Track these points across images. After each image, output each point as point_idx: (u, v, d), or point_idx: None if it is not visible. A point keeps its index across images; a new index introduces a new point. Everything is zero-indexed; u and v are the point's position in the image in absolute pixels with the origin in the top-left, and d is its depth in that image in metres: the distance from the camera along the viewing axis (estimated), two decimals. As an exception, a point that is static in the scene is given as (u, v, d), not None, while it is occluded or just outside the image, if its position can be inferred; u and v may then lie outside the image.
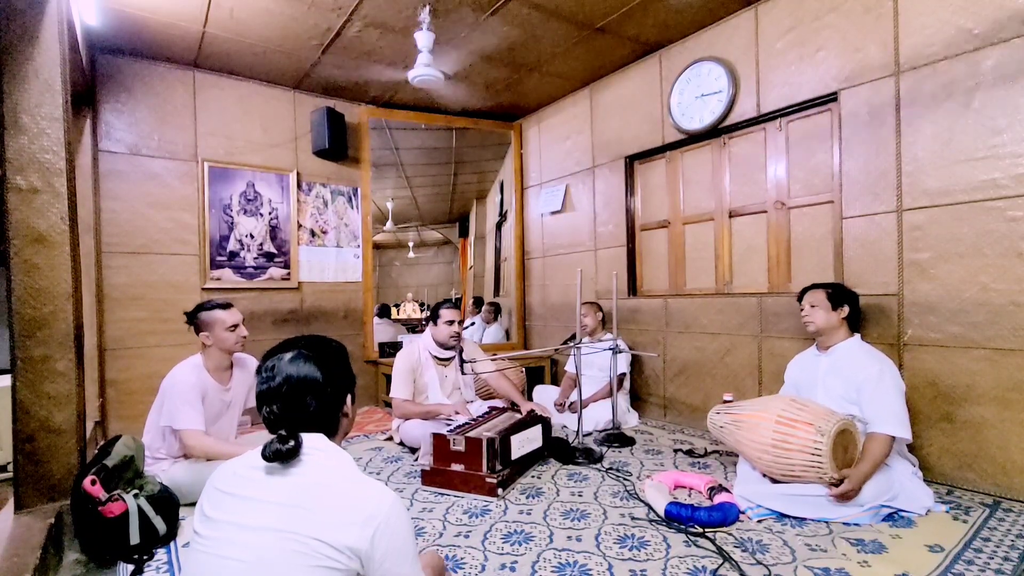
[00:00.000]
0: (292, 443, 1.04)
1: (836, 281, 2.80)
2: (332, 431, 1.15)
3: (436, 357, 3.26)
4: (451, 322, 3.16)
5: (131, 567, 1.86)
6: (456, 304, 3.30)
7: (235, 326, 2.44)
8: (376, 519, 1.00)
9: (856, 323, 2.55)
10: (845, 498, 2.05)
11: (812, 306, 2.46)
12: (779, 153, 3.18)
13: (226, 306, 2.46)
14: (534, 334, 4.95)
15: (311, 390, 1.11)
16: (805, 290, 2.54)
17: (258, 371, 1.15)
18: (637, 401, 3.88)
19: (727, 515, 2.04)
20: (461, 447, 2.47)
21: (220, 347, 2.44)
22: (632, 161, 3.99)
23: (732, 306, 3.31)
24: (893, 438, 2.13)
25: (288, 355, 1.13)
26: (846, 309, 2.42)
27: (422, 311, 5.69)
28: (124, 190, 3.55)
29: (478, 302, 5.48)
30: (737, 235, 3.43)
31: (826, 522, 2.07)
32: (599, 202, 4.20)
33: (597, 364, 3.76)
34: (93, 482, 1.90)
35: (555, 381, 4.56)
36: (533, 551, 1.90)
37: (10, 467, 2.13)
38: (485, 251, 5.63)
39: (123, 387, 3.54)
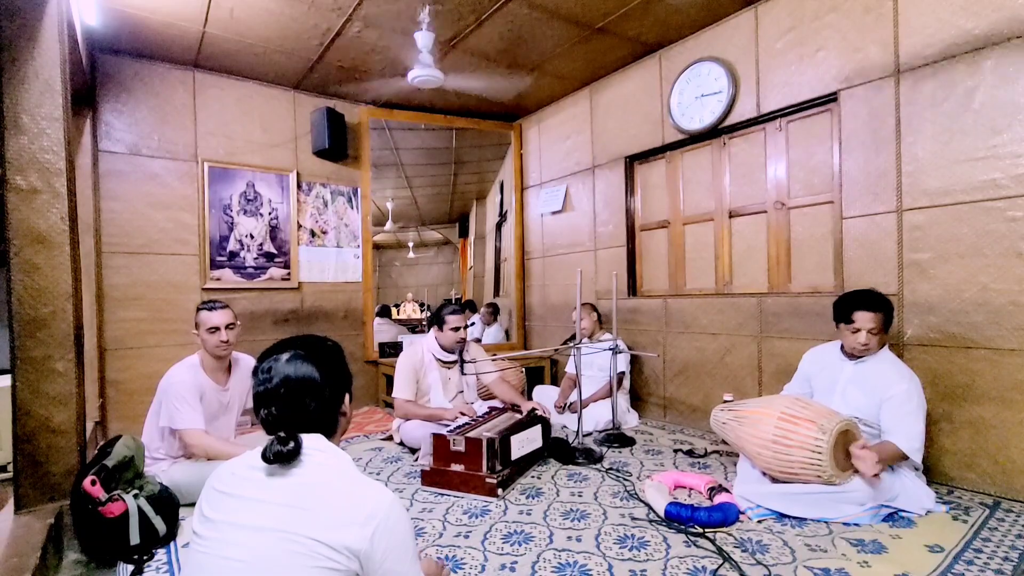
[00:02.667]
0: (292, 444, 1.03)
1: (838, 281, 2.80)
2: (331, 431, 1.15)
3: (440, 360, 3.26)
4: (457, 328, 3.16)
5: (131, 567, 1.86)
6: (462, 309, 3.25)
7: (216, 329, 2.40)
8: (375, 519, 1.00)
9: None
10: (870, 467, 1.99)
11: (873, 333, 2.25)
12: (779, 153, 3.17)
13: (213, 308, 2.43)
14: (534, 334, 4.95)
15: (309, 391, 1.10)
16: (855, 304, 2.29)
17: (254, 373, 1.14)
18: (637, 401, 3.88)
19: (727, 515, 2.04)
20: (461, 447, 2.47)
21: (204, 348, 2.44)
22: (632, 161, 3.99)
23: (732, 306, 3.31)
24: (905, 455, 2.13)
25: (285, 356, 1.13)
26: None
27: (422, 311, 5.68)
28: (124, 190, 3.55)
29: (470, 305, 5.44)
30: (737, 235, 3.43)
31: (826, 522, 2.07)
32: (599, 202, 4.20)
33: (597, 364, 3.76)
34: (93, 482, 1.90)
35: (555, 381, 4.56)
36: (533, 551, 1.90)
37: (10, 467, 2.13)
38: (485, 251, 5.63)
39: (123, 387, 3.54)
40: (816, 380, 2.52)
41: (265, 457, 1.03)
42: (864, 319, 2.26)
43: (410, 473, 2.77)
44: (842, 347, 2.42)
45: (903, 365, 2.30)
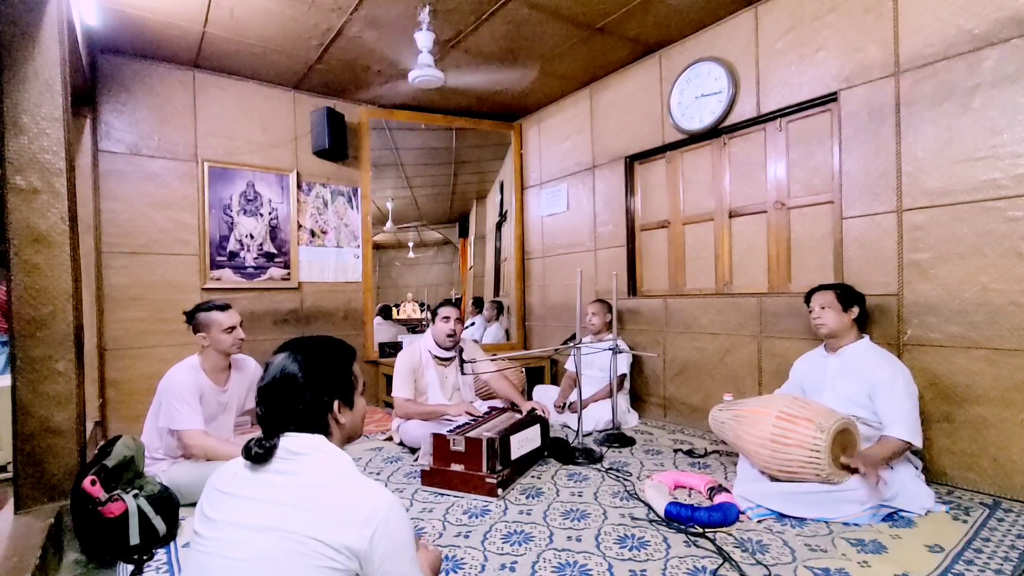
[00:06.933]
0: (268, 445, 1.06)
1: (838, 282, 2.80)
2: (324, 433, 1.12)
3: (437, 357, 3.26)
4: (447, 319, 3.16)
5: (131, 567, 1.86)
6: (456, 303, 3.30)
7: (232, 328, 2.43)
8: (375, 519, 1.00)
9: (863, 324, 2.55)
10: (870, 476, 1.99)
11: (823, 307, 2.44)
12: (779, 153, 3.17)
13: (224, 308, 2.45)
14: (534, 334, 4.95)
15: (290, 391, 1.11)
16: (812, 291, 2.53)
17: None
18: (637, 401, 3.88)
19: (727, 515, 2.04)
20: (461, 447, 2.47)
21: (217, 348, 2.44)
22: (632, 161, 3.99)
23: (732, 306, 3.31)
24: (908, 444, 2.14)
25: (281, 355, 1.15)
26: (856, 310, 2.43)
27: (422, 311, 5.69)
28: (124, 190, 3.55)
29: (478, 302, 5.49)
30: (737, 235, 3.43)
31: (826, 522, 2.07)
32: (599, 202, 4.20)
33: (597, 364, 3.76)
34: (93, 482, 1.90)
35: (555, 381, 4.56)
36: (533, 551, 1.90)
37: (10, 467, 2.13)
38: (485, 251, 5.63)
39: (123, 387, 3.54)
40: (807, 382, 2.58)
41: (244, 454, 1.07)
42: (815, 299, 2.49)
43: (410, 473, 2.77)
44: (825, 346, 2.53)
45: (885, 352, 2.37)
